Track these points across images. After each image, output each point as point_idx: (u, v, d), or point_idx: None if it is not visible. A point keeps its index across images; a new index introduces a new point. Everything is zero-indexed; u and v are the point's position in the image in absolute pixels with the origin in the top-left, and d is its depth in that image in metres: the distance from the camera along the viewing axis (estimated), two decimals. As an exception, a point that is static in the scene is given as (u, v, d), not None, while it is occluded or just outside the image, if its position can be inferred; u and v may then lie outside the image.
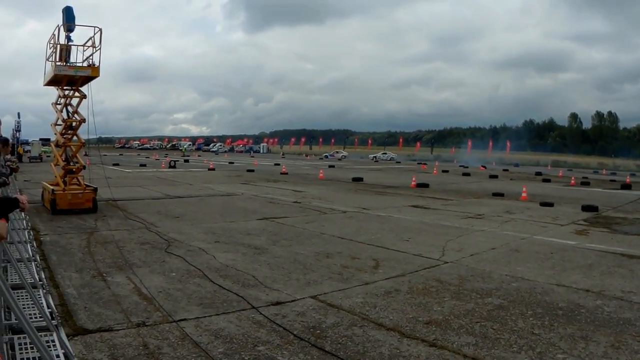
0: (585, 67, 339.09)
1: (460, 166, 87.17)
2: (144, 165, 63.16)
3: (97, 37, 22.04)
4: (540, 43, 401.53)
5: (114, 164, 62.14)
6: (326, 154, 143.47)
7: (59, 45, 22.34)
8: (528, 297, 10.58)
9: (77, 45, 22.81)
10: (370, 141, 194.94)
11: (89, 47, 22.52)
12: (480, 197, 32.23)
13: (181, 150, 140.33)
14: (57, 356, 5.87)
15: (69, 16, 22.34)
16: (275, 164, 74.18)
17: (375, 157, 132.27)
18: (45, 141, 76.73)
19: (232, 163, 78.30)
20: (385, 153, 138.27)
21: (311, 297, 10.34)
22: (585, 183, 50.92)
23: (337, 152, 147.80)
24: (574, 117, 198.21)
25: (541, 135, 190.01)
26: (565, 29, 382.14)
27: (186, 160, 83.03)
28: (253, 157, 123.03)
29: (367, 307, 9.74)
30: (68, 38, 22.61)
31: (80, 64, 22.44)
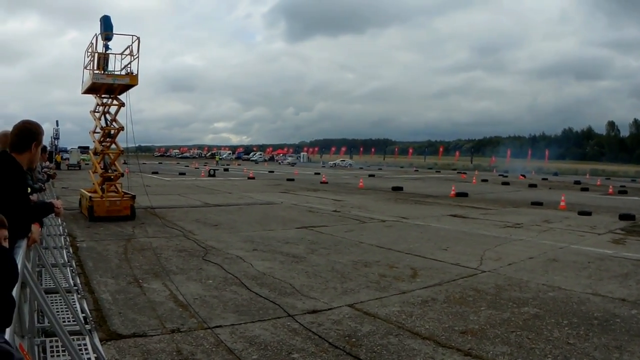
0: (623, 74, 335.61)
1: (500, 175, 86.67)
2: (183, 174, 63.51)
3: (135, 45, 22.16)
4: (578, 51, 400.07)
5: (153, 172, 62.58)
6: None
7: (96, 54, 22.51)
8: (564, 306, 10.42)
9: (115, 54, 23.01)
10: (410, 150, 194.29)
11: (127, 55, 22.66)
12: (519, 206, 31.86)
13: (215, 158, 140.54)
14: (89, 360, 5.80)
15: (106, 25, 22.49)
16: (316, 173, 74.12)
17: (335, 163, 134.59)
18: (84, 149, 77.23)
19: (272, 172, 78.26)
20: (343, 160, 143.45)
21: (348, 305, 10.23)
22: (622, 192, 50.35)
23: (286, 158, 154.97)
24: (611, 125, 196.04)
25: (579, 144, 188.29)
26: (603, 37, 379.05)
27: (226, 169, 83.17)
28: (293, 166, 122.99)
29: (403, 315, 9.64)
30: (106, 47, 22.78)
31: (118, 73, 22.55)
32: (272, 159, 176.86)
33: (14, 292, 3.02)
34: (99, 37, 22.64)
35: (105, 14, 22.60)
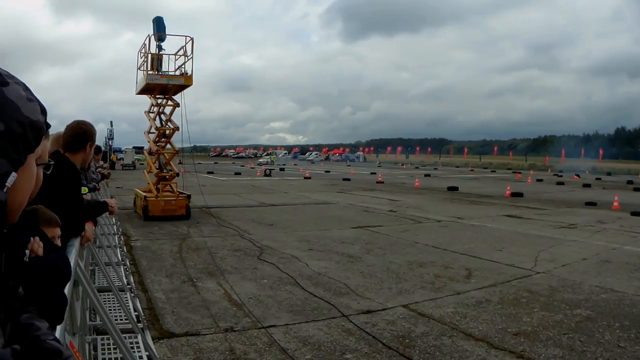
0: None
1: (555, 175, 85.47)
2: (239, 174, 63.56)
3: (189, 46, 22.28)
4: (631, 49, 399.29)
5: (209, 172, 62.77)
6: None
7: (150, 55, 22.72)
8: (616, 308, 10.24)
9: (169, 54, 23.19)
10: (465, 150, 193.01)
11: (181, 56, 22.81)
12: (573, 207, 31.29)
13: (271, 157, 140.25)
14: (141, 358, 5.82)
15: (159, 26, 22.63)
16: (372, 173, 73.58)
17: (266, 161, 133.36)
18: (138, 149, 77.37)
19: (328, 172, 78.06)
20: (273, 157, 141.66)
21: (402, 306, 10.17)
22: (675, 192, 49.00)
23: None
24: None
25: (632, 143, 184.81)
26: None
27: (282, 169, 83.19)
28: (349, 165, 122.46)
29: (457, 317, 9.56)
30: (159, 47, 22.95)
31: (172, 73, 22.70)
32: (327, 158, 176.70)
33: (66, 290, 3.00)
34: (152, 38, 22.82)
35: (161, 15, 22.73)
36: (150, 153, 24.21)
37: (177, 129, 23.07)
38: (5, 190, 1.54)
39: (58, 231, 3.81)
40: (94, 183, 10.79)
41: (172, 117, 23.74)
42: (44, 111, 1.65)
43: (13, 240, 2.13)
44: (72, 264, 3.55)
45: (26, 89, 1.61)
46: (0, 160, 1.51)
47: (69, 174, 5.08)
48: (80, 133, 5.52)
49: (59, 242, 3.77)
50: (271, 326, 8.73)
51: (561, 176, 76.51)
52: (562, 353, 7.79)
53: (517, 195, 37.82)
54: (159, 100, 23.82)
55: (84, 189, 6.66)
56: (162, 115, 24.00)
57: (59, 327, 2.62)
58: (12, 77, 1.58)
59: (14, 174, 1.55)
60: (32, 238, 2.74)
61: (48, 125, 1.76)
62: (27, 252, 2.59)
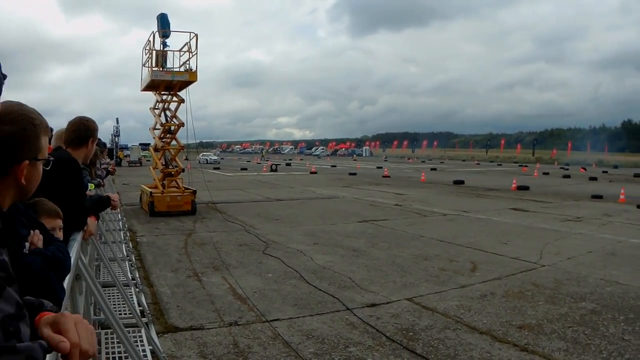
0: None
1: (561, 168, 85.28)
2: (245, 169, 63.83)
3: (193, 42, 22.24)
4: (639, 42, 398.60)
5: (215, 168, 63.03)
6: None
7: (154, 51, 22.81)
8: (621, 302, 10.23)
9: (173, 51, 23.25)
10: (471, 144, 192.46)
11: (185, 52, 22.82)
12: (579, 200, 31.21)
13: (262, 153, 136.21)
14: (144, 352, 5.85)
15: (163, 23, 22.71)
16: (378, 167, 73.45)
17: (200, 160, 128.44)
18: (144, 146, 77.10)
19: (335, 166, 78.05)
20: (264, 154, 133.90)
21: (407, 299, 10.19)
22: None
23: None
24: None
25: (639, 136, 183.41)
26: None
27: (288, 164, 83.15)
28: (355, 160, 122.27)
29: (461, 310, 9.58)
30: (164, 44, 23.01)
31: (177, 69, 22.73)
32: (334, 153, 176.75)
33: (66, 283, 3.04)
34: (157, 35, 22.89)
35: (171, 11, 22.86)
36: (156, 149, 24.30)
37: (182, 125, 23.12)
38: None
39: (59, 222, 3.86)
40: (98, 179, 10.86)
41: (178, 114, 23.79)
42: None
43: (12, 233, 2.17)
44: (73, 258, 3.59)
45: None
46: None
47: (71, 168, 5.10)
48: (83, 129, 5.54)
49: (60, 234, 3.82)
50: (275, 320, 8.78)
51: (567, 169, 76.24)
52: (566, 346, 7.80)
53: (523, 188, 37.83)
54: (164, 97, 23.84)
55: (91, 186, 6.72)
56: (167, 112, 24.05)
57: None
58: None
59: None
60: (32, 231, 2.79)
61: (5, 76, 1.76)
62: (27, 244, 2.64)
